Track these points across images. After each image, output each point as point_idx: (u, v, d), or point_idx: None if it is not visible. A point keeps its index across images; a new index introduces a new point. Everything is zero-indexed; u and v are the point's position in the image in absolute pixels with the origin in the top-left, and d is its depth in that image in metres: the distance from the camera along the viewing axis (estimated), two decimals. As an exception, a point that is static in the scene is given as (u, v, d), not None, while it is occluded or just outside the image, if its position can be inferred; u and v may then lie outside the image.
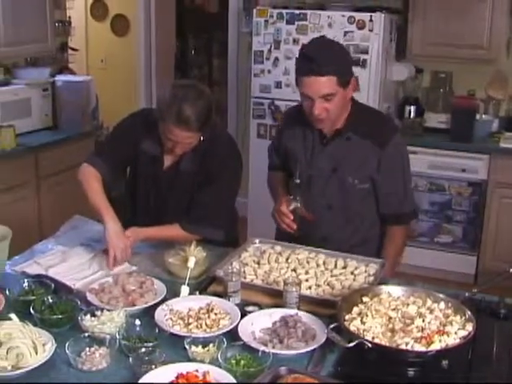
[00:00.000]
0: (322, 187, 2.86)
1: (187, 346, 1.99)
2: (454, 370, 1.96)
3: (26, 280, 2.44)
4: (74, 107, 5.39)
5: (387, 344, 1.98)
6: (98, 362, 1.93)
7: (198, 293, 2.40)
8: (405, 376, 1.96)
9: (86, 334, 2.04)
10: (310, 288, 2.44)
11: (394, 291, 2.27)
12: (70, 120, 5.40)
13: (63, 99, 5.40)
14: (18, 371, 1.88)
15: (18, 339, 1.94)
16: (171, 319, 2.18)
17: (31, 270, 2.59)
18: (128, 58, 7.21)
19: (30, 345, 1.94)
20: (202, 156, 2.81)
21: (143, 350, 1.96)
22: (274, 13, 5.29)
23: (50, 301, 2.25)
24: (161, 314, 2.19)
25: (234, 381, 1.82)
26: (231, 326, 2.13)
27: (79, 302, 2.25)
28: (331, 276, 2.53)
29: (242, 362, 1.92)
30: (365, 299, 2.21)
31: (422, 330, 2.03)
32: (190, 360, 1.96)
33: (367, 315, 2.10)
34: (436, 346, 1.95)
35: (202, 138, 2.74)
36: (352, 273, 2.55)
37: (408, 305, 2.17)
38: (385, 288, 2.29)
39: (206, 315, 2.19)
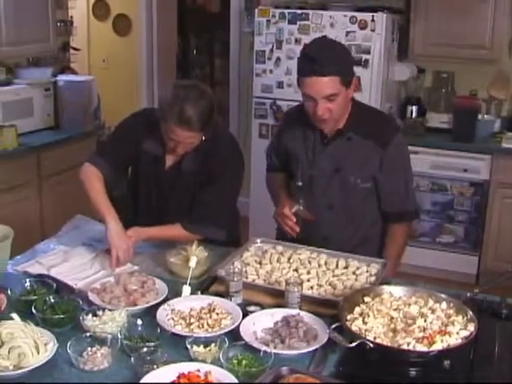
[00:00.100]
0: (324, 187, 2.86)
1: (189, 346, 1.99)
2: (455, 370, 1.96)
3: (27, 280, 2.44)
4: (76, 107, 5.39)
5: (389, 344, 1.98)
6: (99, 362, 1.93)
7: (199, 292, 2.40)
8: (406, 376, 1.96)
9: (88, 334, 2.04)
10: (311, 288, 2.44)
11: (395, 291, 2.27)
12: (72, 120, 5.40)
13: (65, 99, 5.40)
14: (20, 371, 1.88)
15: (19, 339, 1.94)
16: (173, 319, 2.18)
17: (33, 270, 2.59)
18: (130, 58, 7.21)
19: (32, 344, 1.94)
20: (203, 156, 2.81)
21: (145, 349, 1.96)
22: (276, 12, 5.29)
23: (52, 300, 2.25)
24: (162, 314, 2.19)
25: (236, 381, 1.82)
26: (233, 326, 2.13)
27: (81, 302, 2.25)
28: (333, 276, 2.53)
29: (244, 361, 1.92)
30: (366, 299, 2.21)
31: (424, 330, 2.02)
32: (191, 360, 1.96)
33: (369, 315, 2.10)
34: (438, 346, 1.95)
35: (203, 138, 2.74)
36: (354, 273, 2.55)
37: (410, 305, 2.17)
38: (386, 288, 2.29)
39: (208, 315, 2.19)
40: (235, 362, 1.92)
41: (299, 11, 5.23)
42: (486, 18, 5.08)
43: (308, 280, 2.47)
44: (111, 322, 2.11)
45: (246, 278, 2.49)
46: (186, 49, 9.36)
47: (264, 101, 5.49)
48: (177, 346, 2.04)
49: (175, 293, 2.38)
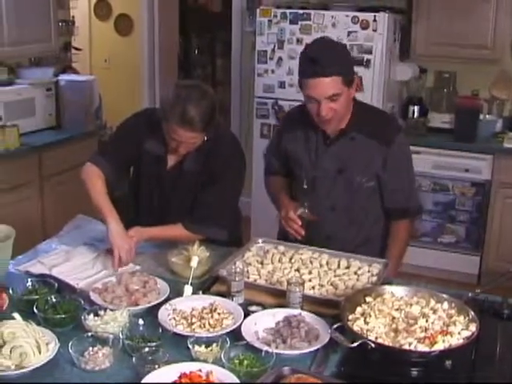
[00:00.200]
0: (328, 188, 2.85)
1: (190, 346, 1.99)
2: (457, 370, 1.96)
3: (29, 279, 2.44)
4: (78, 107, 5.39)
5: (390, 344, 1.98)
6: (101, 362, 1.94)
7: (201, 292, 2.41)
8: (408, 376, 1.97)
9: (90, 334, 2.04)
10: (313, 288, 2.44)
11: (397, 291, 2.27)
12: (74, 120, 5.40)
13: (67, 99, 5.41)
14: (22, 370, 1.88)
15: (21, 338, 1.94)
16: (174, 319, 2.18)
17: (35, 270, 2.59)
18: (131, 58, 7.21)
19: (34, 344, 1.94)
20: (205, 156, 2.81)
21: (146, 349, 1.96)
22: (278, 12, 5.29)
23: (54, 300, 2.25)
24: (164, 314, 2.19)
25: (238, 381, 1.82)
26: (234, 326, 2.13)
27: (82, 302, 2.25)
28: (334, 276, 2.53)
29: (245, 361, 1.92)
30: (368, 299, 2.21)
31: (426, 330, 2.02)
32: (193, 360, 1.96)
33: (370, 315, 2.10)
34: (439, 346, 1.95)
35: (205, 138, 2.74)
36: (355, 273, 2.55)
37: (411, 305, 2.17)
38: (388, 288, 2.29)
39: (210, 315, 2.19)
40: (237, 361, 1.92)
41: (301, 11, 5.23)
42: (488, 18, 5.08)
43: (310, 280, 2.47)
44: (113, 321, 2.11)
45: (248, 277, 2.49)
46: (187, 49, 9.36)
47: (266, 101, 5.49)
48: (178, 346, 2.04)
49: (177, 293, 2.38)
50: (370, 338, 1.98)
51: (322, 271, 2.55)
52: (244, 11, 6.30)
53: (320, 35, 4.87)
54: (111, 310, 2.18)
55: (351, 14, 5.06)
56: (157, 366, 1.87)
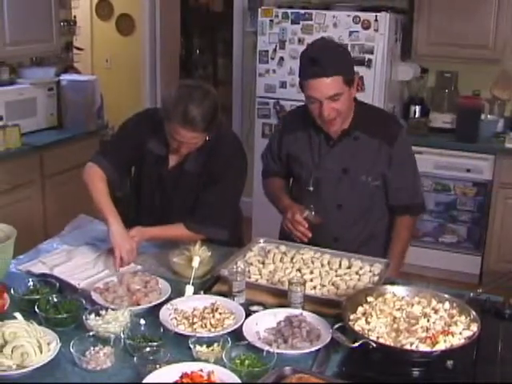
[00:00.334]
0: (332, 189, 2.86)
1: (192, 346, 1.99)
2: (458, 370, 1.96)
3: (30, 279, 2.44)
4: (79, 106, 5.39)
5: (392, 344, 1.98)
6: (102, 362, 1.94)
7: (202, 292, 2.40)
8: (409, 376, 1.97)
9: (91, 334, 2.04)
10: (314, 288, 2.44)
11: (398, 291, 2.27)
12: (75, 119, 5.40)
13: (68, 99, 5.41)
14: (23, 370, 1.88)
15: (22, 338, 1.94)
16: (176, 319, 2.18)
17: (36, 269, 2.59)
18: (133, 58, 7.22)
19: (35, 344, 1.94)
20: (207, 155, 2.81)
21: (148, 349, 1.95)
22: (279, 12, 5.29)
23: (55, 300, 2.25)
24: (165, 314, 2.19)
25: (239, 380, 1.82)
26: (236, 326, 2.13)
27: (84, 302, 2.25)
28: (336, 276, 2.52)
29: (247, 361, 1.92)
30: (369, 299, 2.21)
31: (427, 330, 2.02)
32: (194, 360, 1.96)
33: (372, 315, 2.10)
34: (441, 346, 1.95)
35: (207, 138, 2.74)
36: (357, 273, 2.55)
37: (413, 305, 2.17)
38: (389, 288, 2.28)
39: (211, 315, 2.19)
40: (238, 361, 1.92)
41: (302, 11, 5.23)
42: (490, 18, 5.08)
43: (311, 280, 2.47)
44: (114, 321, 2.11)
45: (249, 277, 2.49)
46: (189, 48, 9.37)
47: (267, 101, 5.49)
48: (180, 346, 2.04)
49: (178, 292, 2.38)
50: (371, 337, 1.98)
51: (324, 271, 2.55)
52: (245, 11, 6.30)
53: (321, 35, 4.90)
54: (112, 309, 2.18)
55: (353, 14, 5.05)
56: (158, 366, 1.87)
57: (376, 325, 2.05)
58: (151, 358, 1.92)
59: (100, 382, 1.89)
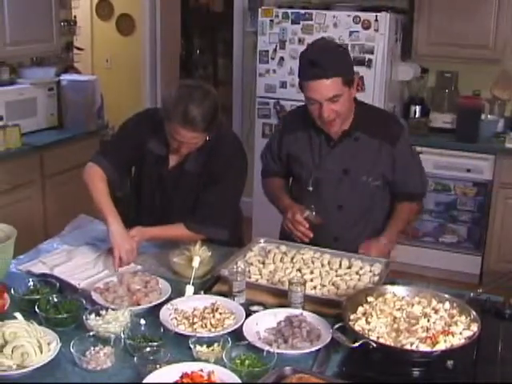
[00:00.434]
0: (333, 189, 2.86)
1: (192, 346, 1.99)
2: (458, 370, 1.96)
3: (31, 279, 2.44)
4: (80, 106, 5.39)
5: (392, 344, 1.98)
6: (102, 362, 1.94)
7: (202, 292, 2.41)
8: (409, 376, 1.97)
9: (91, 334, 2.04)
10: (314, 288, 2.44)
11: (398, 291, 2.27)
12: (76, 119, 5.40)
13: (68, 99, 5.41)
14: (23, 370, 1.88)
15: (23, 338, 1.95)
16: (176, 319, 2.18)
17: (36, 269, 2.59)
18: (133, 58, 7.22)
19: (35, 344, 1.94)
20: (207, 156, 2.81)
21: (148, 349, 1.96)
22: (280, 12, 5.29)
23: (55, 300, 2.25)
24: (165, 314, 2.19)
25: (239, 381, 1.82)
26: (236, 326, 2.13)
27: (84, 302, 2.25)
28: (336, 276, 2.53)
29: (247, 361, 1.92)
30: (370, 299, 2.21)
31: (427, 330, 2.02)
32: (194, 360, 1.96)
33: (372, 315, 2.10)
34: (441, 346, 1.95)
35: (207, 138, 2.74)
36: (357, 273, 2.55)
37: (413, 305, 2.17)
38: (390, 288, 2.29)
39: (211, 315, 2.19)
40: (238, 361, 1.92)
41: (302, 11, 5.23)
42: (490, 18, 5.08)
43: (311, 280, 2.47)
44: (114, 321, 2.11)
45: (249, 277, 2.49)
46: (189, 48, 9.37)
47: (267, 100, 5.48)
48: (180, 346, 2.04)
49: (178, 292, 2.38)
50: (371, 337, 1.98)
51: (324, 271, 2.55)
52: (246, 11, 6.30)
53: (322, 35, 4.90)
54: (113, 309, 2.18)
55: (353, 14, 5.05)
56: (158, 366, 1.87)
57: (376, 325, 2.05)
58: (151, 357, 1.92)
59: (100, 382, 1.90)
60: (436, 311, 2.13)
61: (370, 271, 2.56)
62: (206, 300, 2.31)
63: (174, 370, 1.85)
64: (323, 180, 2.87)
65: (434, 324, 2.05)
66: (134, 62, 7.21)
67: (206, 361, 1.94)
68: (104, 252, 2.71)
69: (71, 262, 2.65)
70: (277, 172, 3.09)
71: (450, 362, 1.95)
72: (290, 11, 5.26)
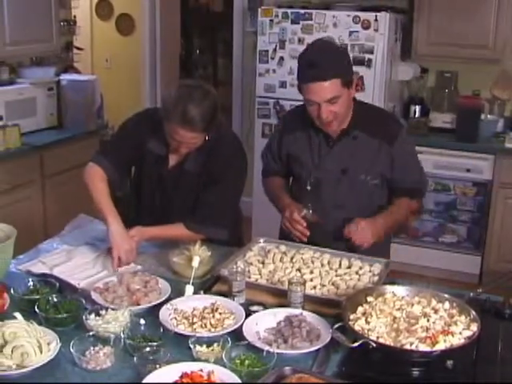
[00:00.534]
0: (332, 189, 2.86)
1: (192, 346, 1.99)
2: (458, 370, 1.96)
3: (30, 279, 2.44)
4: (79, 106, 5.39)
5: (392, 344, 1.98)
6: (102, 362, 1.94)
7: (202, 292, 2.41)
8: (409, 376, 1.97)
9: (91, 333, 2.04)
10: (314, 288, 2.44)
11: (398, 291, 2.27)
12: (75, 119, 5.40)
13: (68, 98, 5.41)
14: (23, 370, 1.88)
15: (22, 338, 1.94)
16: (176, 318, 2.18)
17: (36, 269, 2.59)
18: (133, 58, 7.22)
19: (35, 344, 1.94)
20: (207, 155, 2.81)
21: (148, 349, 1.96)
22: (279, 12, 5.29)
23: (55, 300, 2.25)
24: (165, 314, 2.19)
25: (239, 380, 1.82)
26: (236, 326, 2.13)
27: (84, 301, 2.25)
28: (336, 276, 2.53)
29: (247, 361, 1.92)
30: (369, 299, 2.21)
31: (427, 329, 2.02)
32: (194, 359, 1.96)
33: (372, 315, 2.10)
34: (441, 346, 1.95)
35: (207, 138, 2.74)
36: (357, 272, 2.55)
37: (413, 305, 2.17)
38: (389, 288, 2.29)
39: (211, 315, 2.19)
40: (238, 361, 1.92)
41: (302, 11, 5.23)
42: (490, 18, 5.08)
43: (311, 280, 2.47)
44: (114, 321, 2.11)
45: (249, 277, 2.49)
46: (189, 48, 9.37)
47: (267, 100, 5.48)
48: (180, 346, 2.04)
49: (178, 292, 2.38)
50: (371, 337, 1.98)
51: (324, 271, 2.55)
52: (245, 11, 6.30)
53: (321, 35, 4.91)
54: (112, 309, 2.18)
55: (352, 14, 5.06)
56: (158, 366, 1.87)
57: (376, 325, 2.05)
58: (151, 357, 1.92)
59: (100, 382, 1.89)
60: (436, 311, 2.13)
61: (370, 271, 2.56)
62: (205, 300, 2.31)
63: (173, 370, 1.85)
64: (322, 180, 2.87)
65: (433, 324, 2.05)
66: (133, 61, 7.21)
67: (206, 361, 1.94)
68: (103, 252, 2.71)
69: (71, 262, 2.65)
70: (277, 171, 3.09)
71: (449, 362, 1.95)
72: (289, 11, 5.26)
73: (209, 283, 2.51)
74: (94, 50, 7.47)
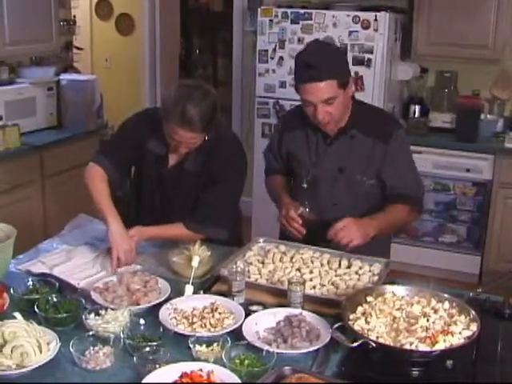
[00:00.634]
0: (329, 187, 2.86)
1: (191, 346, 1.99)
2: (458, 369, 1.96)
3: (30, 279, 2.44)
4: (79, 106, 5.39)
5: (391, 344, 1.98)
6: (102, 361, 1.94)
7: (202, 292, 2.41)
8: (409, 376, 1.96)
9: (91, 333, 2.04)
10: (314, 287, 2.44)
11: (398, 291, 2.27)
12: (75, 119, 5.40)
13: (68, 98, 5.41)
14: (22, 370, 1.88)
15: (22, 338, 1.94)
16: (175, 318, 2.18)
17: (36, 269, 2.59)
18: (132, 57, 7.22)
19: (35, 343, 1.94)
20: (206, 155, 2.81)
21: (147, 349, 1.95)
22: (279, 12, 5.29)
23: (55, 300, 2.25)
24: (165, 313, 2.19)
25: (239, 380, 1.82)
26: (235, 326, 2.13)
27: (83, 301, 2.25)
28: (335, 275, 2.52)
29: (246, 361, 1.92)
30: (369, 299, 2.21)
31: (427, 329, 2.02)
32: (194, 359, 1.96)
33: (371, 315, 2.10)
34: (440, 345, 1.95)
35: (206, 138, 2.74)
36: (356, 272, 2.55)
37: (412, 304, 2.17)
38: (389, 288, 2.28)
39: (210, 314, 2.19)
40: (238, 361, 1.92)
41: (302, 11, 5.24)
42: (489, 18, 5.08)
43: (310, 279, 2.47)
44: (114, 321, 2.11)
45: (249, 277, 2.49)
46: (188, 48, 9.37)
47: (267, 100, 5.49)
48: (179, 346, 2.04)
49: (178, 292, 2.38)
50: (370, 337, 1.98)
51: (323, 271, 2.55)
52: (245, 11, 6.30)
53: (321, 35, 4.91)
54: (112, 309, 2.18)
55: (352, 14, 5.06)
56: (158, 366, 1.87)
57: (375, 324, 2.05)
58: (151, 357, 1.92)
59: (100, 381, 1.89)
60: (435, 311, 2.13)
61: (370, 271, 2.56)
62: (205, 300, 2.31)
63: (173, 370, 1.84)
64: (319, 177, 2.87)
65: (433, 324, 2.05)
66: (133, 61, 7.21)
67: (206, 360, 1.94)
68: (103, 252, 2.71)
69: (71, 262, 2.65)
70: (278, 170, 3.10)
71: (449, 362, 1.94)
72: (289, 11, 5.27)
73: (208, 283, 2.51)
74: (94, 49, 7.47)
